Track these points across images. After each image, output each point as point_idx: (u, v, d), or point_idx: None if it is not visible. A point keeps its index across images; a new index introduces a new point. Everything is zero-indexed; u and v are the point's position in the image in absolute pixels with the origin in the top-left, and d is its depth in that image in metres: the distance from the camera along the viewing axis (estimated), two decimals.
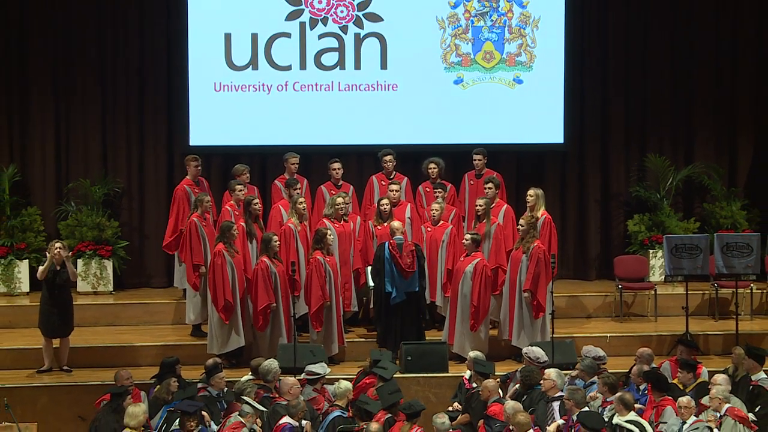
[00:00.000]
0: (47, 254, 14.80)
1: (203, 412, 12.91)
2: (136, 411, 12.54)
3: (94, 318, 16.28)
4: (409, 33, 17.42)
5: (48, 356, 14.94)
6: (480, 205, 15.74)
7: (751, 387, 13.65)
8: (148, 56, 17.62)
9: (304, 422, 12.87)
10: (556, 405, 13.03)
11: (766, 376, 13.76)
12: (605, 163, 18.31)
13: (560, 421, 12.78)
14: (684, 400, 13.01)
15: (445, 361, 14.92)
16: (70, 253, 14.98)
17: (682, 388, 13.71)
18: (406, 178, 16.55)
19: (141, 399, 13.34)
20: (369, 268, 15.54)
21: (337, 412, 13.21)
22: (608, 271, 17.62)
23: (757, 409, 13.33)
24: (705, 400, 13.07)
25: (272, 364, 13.80)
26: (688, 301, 16.07)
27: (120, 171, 17.76)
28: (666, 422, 13.01)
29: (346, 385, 13.49)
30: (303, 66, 17.39)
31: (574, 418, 12.64)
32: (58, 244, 14.86)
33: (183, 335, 15.88)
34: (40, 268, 14.78)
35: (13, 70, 17.48)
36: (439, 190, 16.16)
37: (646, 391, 13.46)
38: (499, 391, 13.56)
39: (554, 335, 15.04)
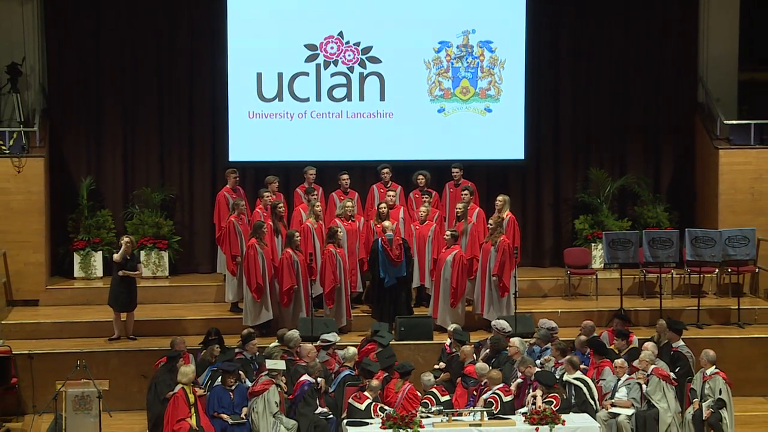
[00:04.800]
0: (119, 246, 14.83)
1: (240, 371, 12.94)
2: (187, 370, 12.58)
3: (154, 297, 16.25)
4: (402, 72, 17.36)
5: (117, 327, 14.95)
6: (458, 209, 15.75)
7: (672, 352, 13.68)
8: (197, 90, 17.58)
9: (319, 379, 12.90)
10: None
11: (683, 343, 13.79)
12: (557, 174, 18.26)
13: (519, 380, 12.80)
14: (619, 361, 13.06)
15: (431, 331, 14.90)
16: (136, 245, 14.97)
17: (617, 352, 13.73)
18: (399, 186, 16.53)
19: (190, 361, 13.33)
20: None
21: (346, 372, 13.24)
22: (559, 260, 17.58)
23: (676, 369, 13.35)
24: (636, 363, 13.09)
25: (294, 333, 13.82)
26: (622, 284, 16.09)
27: (174, 181, 17.73)
28: (605, 379, 13.05)
29: (353, 350, 13.51)
30: (318, 98, 17.33)
31: (532, 377, 12.67)
32: (126, 238, 14.92)
33: (223, 311, 15.86)
34: (116, 255, 14.79)
35: (90, 102, 17.45)
36: (426, 196, 16.15)
37: (589, 355, 13.48)
38: (474, 355, 13.57)
39: (517, 311, 15.04)
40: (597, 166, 18.07)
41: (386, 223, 15.33)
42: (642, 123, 18.23)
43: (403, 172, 16.88)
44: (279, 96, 17.30)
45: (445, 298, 15.17)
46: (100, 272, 16.90)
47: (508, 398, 12.45)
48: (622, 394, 12.76)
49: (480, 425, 11.93)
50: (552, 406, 12.19)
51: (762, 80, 18.68)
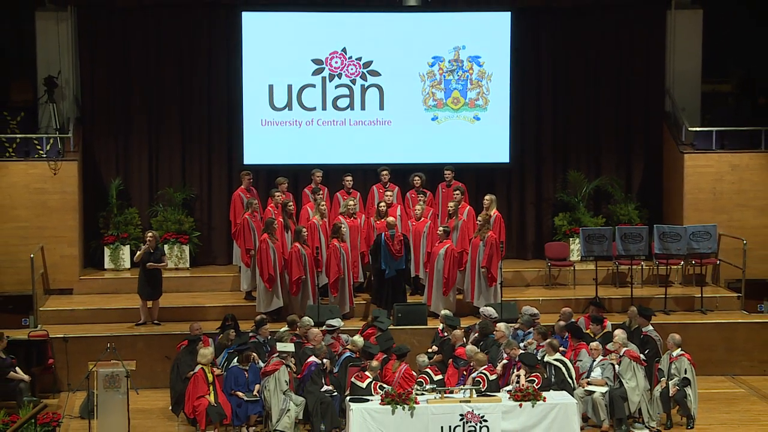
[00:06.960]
0: (145, 240, 14.84)
1: (253, 353, 12.95)
2: (206, 352, 12.59)
3: (176, 286, 16.23)
4: (399, 84, 17.34)
5: (144, 313, 14.97)
6: (450, 207, 15.76)
7: (642, 336, 13.69)
8: (215, 100, 17.58)
9: (325, 360, 12.90)
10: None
11: (652, 328, 13.80)
12: (538, 176, 18.25)
13: (505, 361, 12.81)
14: (594, 344, 13.07)
15: (425, 317, 14.91)
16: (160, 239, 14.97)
17: (593, 336, 13.74)
18: (397, 187, 16.52)
19: (209, 344, 13.30)
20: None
21: (348, 353, 13.23)
22: (541, 253, 17.57)
23: (646, 351, 13.36)
24: (609, 345, 13.10)
25: (302, 319, 13.80)
26: (597, 274, 16.11)
27: (194, 181, 17.72)
28: (581, 360, 13.06)
29: (359, 339, 13.40)
30: (324, 108, 17.32)
31: (516, 359, 12.68)
32: (150, 233, 14.92)
33: (238, 299, 15.86)
34: (138, 252, 14.81)
35: (119, 111, 17.45)
36: (421, 195, 16.17)
37: (567, 339, 13.49)
38: (464, 338, 13.58)
39: (502, 299, 15.05)
40: (574, 169, 18.06)
41: (390, 219, 15.32)
42: (615, 130, 18.23)
43: (401, 174, 16.87)
44: (289, 105, 17.29)
45: (438, 287, 15.18)
46: (128, 264, 16.91)
47: (493, 377, 12.47)
48: (596, 373, 12.78)
49: (469, 401, 11.95)
50: (534, 384, 12.22)
51: (723, 92, 18.76)
